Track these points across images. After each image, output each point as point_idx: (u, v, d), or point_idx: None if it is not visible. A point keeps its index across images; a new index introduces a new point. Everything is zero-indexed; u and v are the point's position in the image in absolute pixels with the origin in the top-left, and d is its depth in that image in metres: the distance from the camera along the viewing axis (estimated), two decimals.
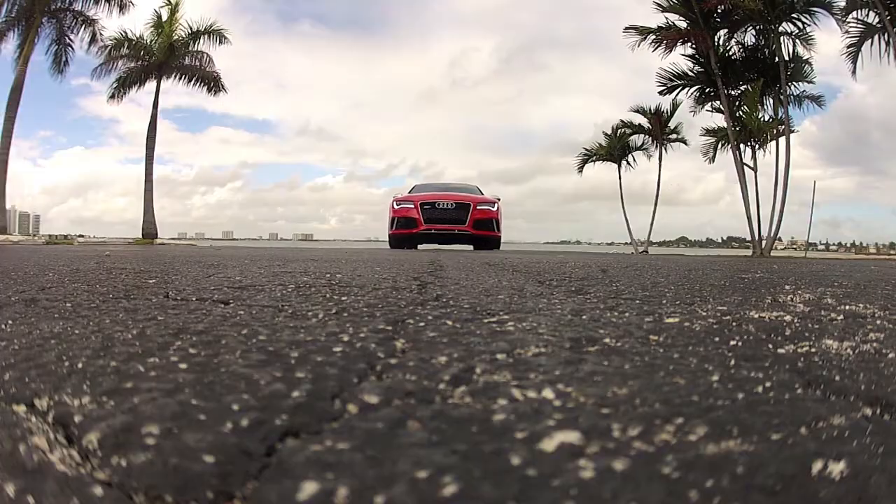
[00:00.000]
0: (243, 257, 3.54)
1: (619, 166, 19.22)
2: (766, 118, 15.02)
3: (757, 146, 15.23)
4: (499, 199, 10.57)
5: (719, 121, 16.53)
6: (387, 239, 10.26)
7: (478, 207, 9.86)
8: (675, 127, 18.36)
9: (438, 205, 9.80)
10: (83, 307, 1.11)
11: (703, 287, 1.80)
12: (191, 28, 17.62)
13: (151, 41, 17.47)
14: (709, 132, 17.46)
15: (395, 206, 9.99)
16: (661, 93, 16.74)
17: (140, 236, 17.51)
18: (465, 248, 9.80)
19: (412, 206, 9.82)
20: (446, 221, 9.69)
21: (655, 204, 18.50)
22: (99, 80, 17.74)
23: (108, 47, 17.23)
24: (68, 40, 17.05)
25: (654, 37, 15.20)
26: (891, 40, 12.66)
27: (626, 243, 19.50)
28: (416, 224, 9.69)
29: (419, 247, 10.17)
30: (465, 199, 9.94)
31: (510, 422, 0.47)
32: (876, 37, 13.35)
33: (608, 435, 0.44)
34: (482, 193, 11.08)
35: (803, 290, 1.75)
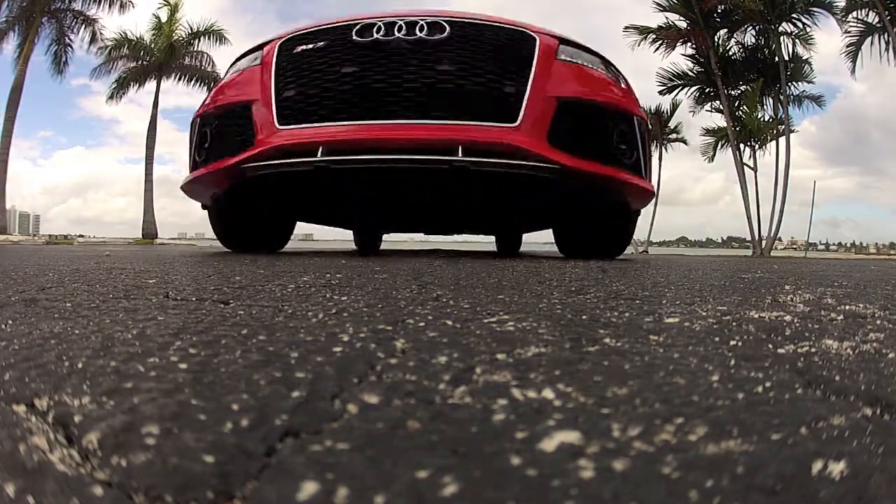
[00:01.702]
0: (243, 257, 3.54)
1: None
2: (766, 118, 15.05)
3: (757, 146, 15.26)
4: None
5: (719, 121, 16.56)
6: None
7: (562, 57, 2.37)
8: (675, 126, 18.39)
9: (381, 46, 2.21)
10: (83, 307, 1.11)
11: (703, 287, 1.80)
12: (191, 28, 17.64)
13: (151, 41, 17.48)
14: (709, 132, 17.50)
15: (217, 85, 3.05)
16: (661, 92, 16.78)
17: (140, 236, 17.52)
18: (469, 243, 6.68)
19: (264, 73, 2.37)
20: (414, 108, 2.17)
21: (655, 203, 18.53)
22: (98, 80, 17.78)
23: (109, 48, 17.26)
24: (68, 40, 17.06)
25: (654, 36, 15.21)
26: (890, 40, 12.65)
27: None
28: (252, 136, 2.36)
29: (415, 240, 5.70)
30: (505, 24, 2.35)
31: (510, 422, 0.47)
32: (876, 37, 13.35)
33: (608, 435, 0.44)
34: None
35: (803, 290, 1.75)
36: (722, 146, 16.59)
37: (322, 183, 2.44)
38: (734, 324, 1.01)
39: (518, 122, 2.18)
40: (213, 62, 17.88)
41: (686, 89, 16.10)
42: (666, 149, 18.33)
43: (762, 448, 0.42)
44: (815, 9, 13.65)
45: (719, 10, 14.23)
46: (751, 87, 14.11)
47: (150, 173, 17.98)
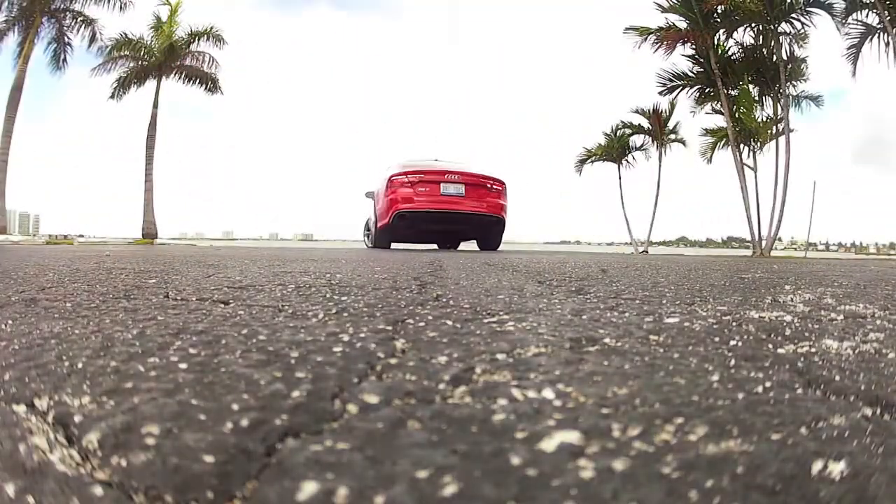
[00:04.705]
0: (243, 257, 3.53)
1: (619, 166, 19.24)
2: (765, 118, 15.08)
3: (757, 146, 15.28)
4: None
5: (718, 121, 16.59)
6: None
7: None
8: (674, 126, 18.40)
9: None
10: (83, 307, 1.11)
11: (703, 287, 1.80)
12: (191, 29, 17.65)
13: (151, 40, 17.50)
14: (708, 132, 17.50)
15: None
16: (661, 93, 16.76)
17: (140, 236, 17.51)
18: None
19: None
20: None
21: (655, 203, 18.51)
22: (99, 79, 17.79)
23: (109, 48, 17.27)
24: (68, 40, 17.07)
25: (654, 37, 15.21)
26: (891, 41, 12.66)
27: (626, 243, 19.51)
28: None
29: (413, 246, 8.51)
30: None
31: (510, 422, 0.47)
32: (876, 38, 13.35)
33: (608, 435, 0.44)
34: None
35: (803, 290, 1.75)
36: (722, 146, 16.61)
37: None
38: (734, 324, 1.01)
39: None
40: (216, 63, 17.89)
41: (686, 90, 16.13)
42: (665, 151, 18.35)
43: (762, 448, 0.42)
44: (813, 9, 13.65)
45: (719, 11, 14.22)
46: (745, 87, 14.17)
47: (150, 173, 17.96)
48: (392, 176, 7.08)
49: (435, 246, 8.61)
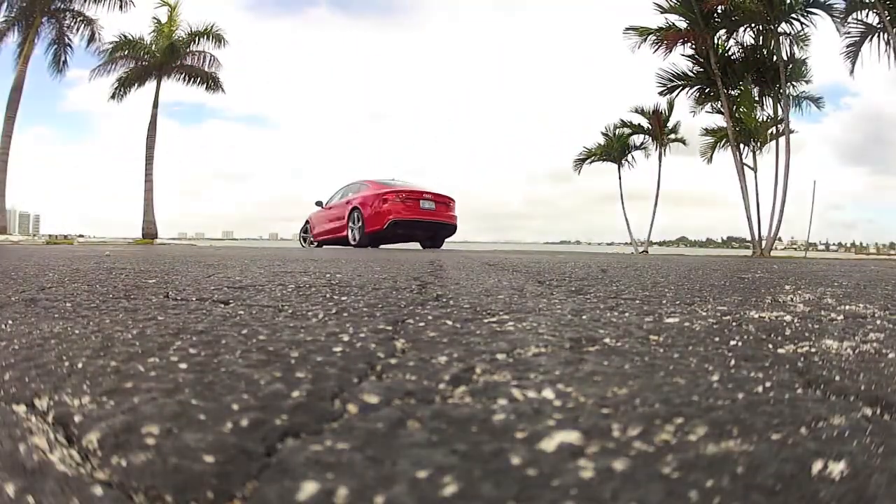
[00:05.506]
0: (243, 257, 3.53)
1: (619, 166, 19.23)
2: (765, 118, 15.07)
3: (757, 147, 15.28)
4: None
5: (718, 121, 16.59)
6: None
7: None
8: (674, 126, 18.39)
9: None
10: (83, 307, 1.11)
11: (703, 287, 1.80)
12: (190, 28, 17.64)
13: (152, 41, 17.50)
14: (708, 132, 17.49)
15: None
16: (661, 93, 16.76)
17: (140, 236, 17.51)
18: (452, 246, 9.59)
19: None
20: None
21: (655, 203, 18.51)
22: (99, 79, 17.78)
23: (109, 49, 17.27)
24: (68, 41, 17.07)
25: (654, 37, 15.21)
26: (890, 40, 12.66)
27: (626, 243, 19.50)
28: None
29: (415, 246, 9.92)
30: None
31: (510, 422, 0.47)
32: (876, 37, 13.35)
33: (608, 435, 0.44)
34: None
35: (803, 290, 1.75)
36: (722, 146, 16.62)
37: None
38: (734, 324, 1.01)
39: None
40: (216, 62, 17.85)
41: (686, 90, 16.15)
42: (665, 152, 18.32)
43: (762, 448, 0.42)
44: (813, 10, 13.65)
45: (719, 11, 14.22)
46: (746, 87, 14.20)
47: (150, 173, 17.96)
48: (385, 193, 9.32)
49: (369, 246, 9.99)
